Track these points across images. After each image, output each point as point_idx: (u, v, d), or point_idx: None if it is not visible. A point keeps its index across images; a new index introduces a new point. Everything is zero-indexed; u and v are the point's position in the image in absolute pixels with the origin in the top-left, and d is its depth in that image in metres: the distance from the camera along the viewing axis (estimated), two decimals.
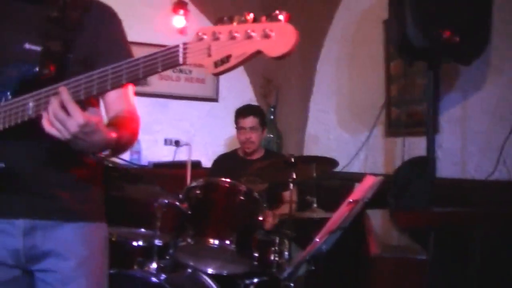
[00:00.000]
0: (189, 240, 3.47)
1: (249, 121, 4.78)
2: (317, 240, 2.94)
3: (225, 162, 4.92)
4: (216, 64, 1.55)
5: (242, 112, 4.88)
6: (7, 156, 1.90)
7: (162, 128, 5.94)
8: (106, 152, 1.92)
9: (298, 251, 3.82)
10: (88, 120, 1.71)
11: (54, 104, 1.70)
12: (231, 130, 5.10)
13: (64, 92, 1.70)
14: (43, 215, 1.99)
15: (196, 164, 5.58)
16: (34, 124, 1.79)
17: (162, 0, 6.25)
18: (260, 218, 3.65)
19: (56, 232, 2.00)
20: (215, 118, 6.17)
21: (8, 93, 1.87)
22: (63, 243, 2.01)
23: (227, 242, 3.41)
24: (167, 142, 5.51)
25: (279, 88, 6.25)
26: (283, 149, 6.14)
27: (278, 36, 1.50)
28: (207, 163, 5.28)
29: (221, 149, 5.76)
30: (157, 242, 3.64)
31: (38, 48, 1.95)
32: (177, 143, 5.42)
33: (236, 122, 4.89)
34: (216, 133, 6.14)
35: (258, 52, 1.52)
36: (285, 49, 1.49)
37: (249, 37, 1.52)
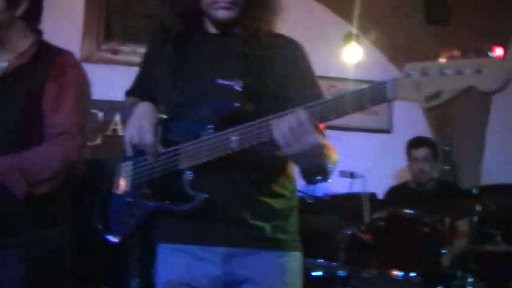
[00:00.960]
0: (372, 271, 3.49)
1: (422, 151, 4.77)
2: None
3: (397, 195, 4.90)
4: (427, 99, 1.59)
5: (414, 143, 4.89)
6: (210, 187, 1.97)
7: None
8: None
9: (481, 285, 3.74)
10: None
11: (293, 122, 1.77)
12: (405, 162, 5.06)
13: (303, 113, 1.77)
14: (241, 243, 2.03)
15: (372, 196, 5.56)
16: (237, 156, 1.90)
17: (333, 33, 6.26)
18: (444, 251, 3.61)
19: (253, 260, 2.04)
20: (390, 150, 6.04)
21: (210, 127, 1.95)
22: (260, 271, 2.04)
23: (412, 274, 3.39)
24: (342, 174, 5.52)
25: (454, 119, 6.12)
26: (459, 180, 5.99)
27: (490, 71, 1.52)
28: (382, 195, 5.25)
29: (395, 181, 5.69)
30: (340, 272, 3.68)
31: (230, 83, 2.02)
32: (352, 175, 5.42)
33: (409, 153, 4.88)
34: (390, 164, 6.01)
35: (470, 88, 1.56)
36: (498, 84, 1.52)
37: (460, 72, 1.55)
